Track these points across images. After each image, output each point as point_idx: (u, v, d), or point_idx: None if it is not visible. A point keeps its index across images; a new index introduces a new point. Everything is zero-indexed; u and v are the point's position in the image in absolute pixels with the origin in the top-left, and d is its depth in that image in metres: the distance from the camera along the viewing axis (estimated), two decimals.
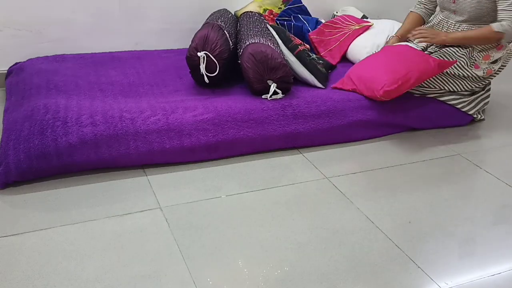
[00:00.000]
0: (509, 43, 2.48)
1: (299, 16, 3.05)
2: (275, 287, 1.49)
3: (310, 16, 3.15)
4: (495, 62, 2.51)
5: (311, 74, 2.47)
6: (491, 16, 2.42)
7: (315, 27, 3.00)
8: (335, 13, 3.35)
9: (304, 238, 1.70)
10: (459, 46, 2.48)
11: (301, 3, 3.12)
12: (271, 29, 2.55)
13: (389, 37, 2.79)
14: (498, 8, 2.37)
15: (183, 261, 1.56)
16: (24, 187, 1.88)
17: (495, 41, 2.41)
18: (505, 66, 2.57)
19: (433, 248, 1.71)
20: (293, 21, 3.01)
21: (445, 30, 2.55)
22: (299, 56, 2.47)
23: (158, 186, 1.94)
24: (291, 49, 2.47)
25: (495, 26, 2.34)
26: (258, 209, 1.85)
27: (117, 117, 2.03)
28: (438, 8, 2.69)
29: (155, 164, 2.07)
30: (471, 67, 2.48)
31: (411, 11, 2.74)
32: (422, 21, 2.71)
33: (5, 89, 2.52)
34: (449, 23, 2.54)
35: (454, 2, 2.48)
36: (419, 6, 2.72)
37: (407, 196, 2.00)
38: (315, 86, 2.49)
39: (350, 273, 1.56)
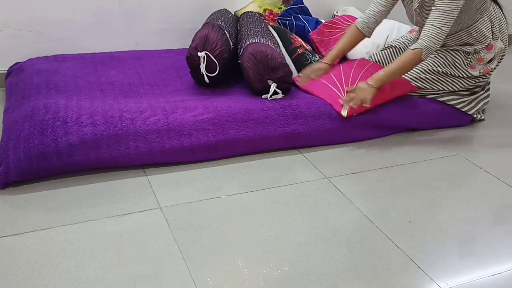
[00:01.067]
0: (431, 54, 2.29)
1: (299, 16, 3.05)
2: (275, 287, 1.49)
3: (311, 16, 3.15)
4: (490, 61, 2.50)
5: None
6: (461, 24, 2.35)
7: (315, 27, 3.00)
8: (335, 13, 3.35)
9: (304, 238, 1.70)
10: (453, 50, 2.46)
11: (303, 3, 3.12)
12: (272, 30, 2.55)
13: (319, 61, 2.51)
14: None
15: (183, 261, 1.56)
16: (24, 187, 1.88)
17: (419, 58, 2.20)
18: (500, 62, 2.56)
19: (433, 248, 1.71)
20: (294, 21, 3.02)
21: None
22: (296, 61, 2.47)
23: (158, 186, 1.94)
24: (290, 53, 2.47)
25: (412, 46, 2.21)
26: (258, 209, 1.85)
27: (117, 117, 2.03)
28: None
29: (155, 164, 2.07)
30: (467, 67, 2.47)
31: (354, 24, 2.45)
32: (362, 37, 2.45)
33: (5, 89, 2.52)
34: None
35: (418, 21, 2.44)
36: (366, 19, 2.41)
37: (407, 196, 2.00)
38: None
39: (350, 273, 1.56)
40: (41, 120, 1.96)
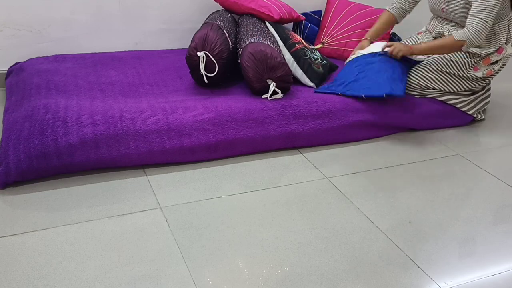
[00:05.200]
0: (476, 46, 2.44)
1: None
2: (275, 287, 1.49)
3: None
4: (495, 63, 2.51)
5: (302, 73, 2.47)
6: None
7: None
8: None
9: (304, 238, 1.70)
10: (458, 52, 2.48)
11: (320, 17, 3.12)
12: (269, 26, 2.55)
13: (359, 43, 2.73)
14: (469, 13, 2.32)
15: (183, 261, 1.56)
16: (24, 187, 1.88)
17: (459, 48, 2.37)
18: (503, 67, 2.58)
19: (433, 248, 1.71)
20: (309, 23, 3.03)
21: (439, 35, 2.55)
22: (294, 55, 2.47)
23: (158, 186, 1.94)
24: (289, 47, 2.48)
25: (456, 35, 2.32)
26: (258, 209, 1.85)
27: (117, 117, 2.03)
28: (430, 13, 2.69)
29: (155, 164, 2.07)
30: (470, 69, 2.48)
31: (386, 9, 2.70)
32: (394, 22, 2.69)
33: (5, 89, 2.52)
34: (443, 28, 2.53)
35: (442, 11, 2.48)
36: (395, 5, 2.66)
37: (407, 196, 2.00)
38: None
39: (350, 273, 1.56)
40: (41, 120, 1.96)
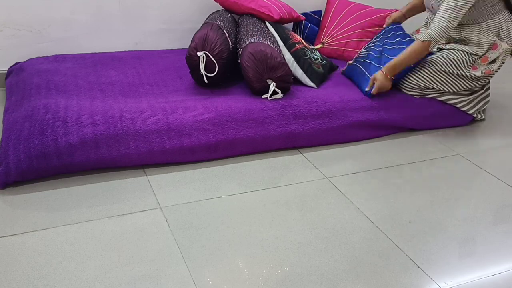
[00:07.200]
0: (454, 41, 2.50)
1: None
2: (275, 287, 1.49)
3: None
4: (493, 62, 2.51)
5: (302, 72, 2.48)
6: (470, 15, 2.40)
7: None
8: None
9: (304, 238, 1.70)
10: (456, 49, 2.47)
11: (320, 17, 3.13)
12: (269, 26, 2.56)
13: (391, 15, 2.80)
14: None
15: (183, 261, 1.56)
16: (24, 187, 1.88)
17: (427, 49, 2.36)
18: (502, 65, 2.57)
19: (433, 248, 1.71)
20: (309, 23, 3.04)
21: None
22: (295, 55, 2.47)
23: (158, 186, 1.94)
24: (289, 47, 2.48)
25: (421, 37, 2.34)
26: (258, 209, 1.85)
27: (117, 117, 2.03)
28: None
29: (155, 164, 2.07)
30: (469, 68, 2.48)
31: None
32: (423, 6, 2.69)
33: (5, 89, 2.52)
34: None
35: (432, 8, 2.50)
36: None
37: (407, 196, 2.00)
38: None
39: (350, 273, 1.56)
40: (41, 120, 1.96)
